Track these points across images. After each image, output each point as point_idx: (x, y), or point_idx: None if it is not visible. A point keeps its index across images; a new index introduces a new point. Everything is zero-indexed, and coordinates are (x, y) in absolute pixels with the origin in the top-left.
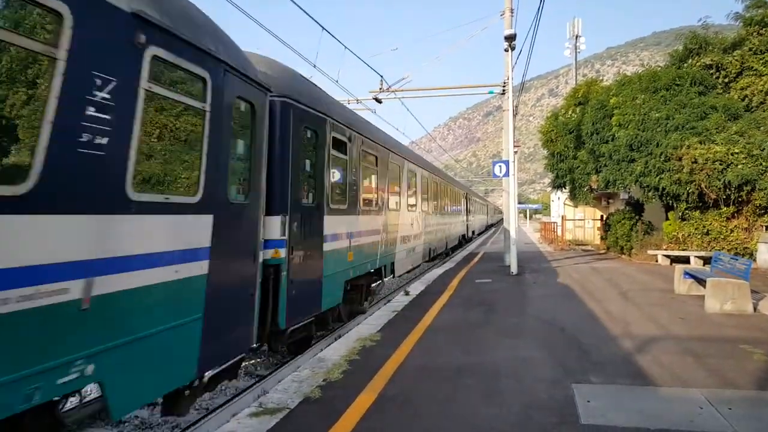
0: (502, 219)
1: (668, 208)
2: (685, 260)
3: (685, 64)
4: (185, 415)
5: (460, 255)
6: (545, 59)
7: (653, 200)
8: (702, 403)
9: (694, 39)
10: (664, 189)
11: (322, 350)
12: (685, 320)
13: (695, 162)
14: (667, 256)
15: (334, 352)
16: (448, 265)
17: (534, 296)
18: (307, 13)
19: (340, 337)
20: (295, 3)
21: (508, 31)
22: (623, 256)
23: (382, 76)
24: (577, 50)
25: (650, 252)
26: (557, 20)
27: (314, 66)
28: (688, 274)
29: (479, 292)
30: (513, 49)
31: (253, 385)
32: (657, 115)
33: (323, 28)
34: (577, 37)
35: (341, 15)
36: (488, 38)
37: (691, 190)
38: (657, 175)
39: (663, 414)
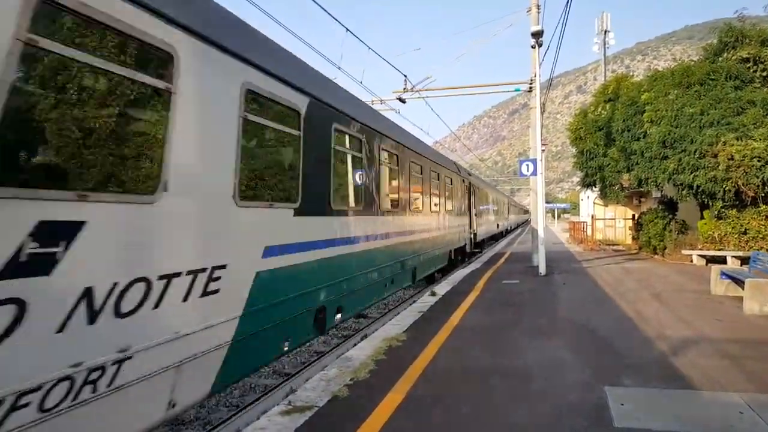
0: (527, 220)
1: (703, 206)
2: (722, 260)
3: (720, 58)
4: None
5: (486, 255)
6: (573, 55)
7: (687, 198)
8: (742, 408)
9: (729, 32)
10: (699, 187)
11: (348, 350)
12: (722, 322)
13: (732, 159)
14: (703, 256)
15: (360, 351)
16: (475, 265)
17: (564, 297)
18: (331, 15)
19: (366, 336)
20: (319, 5)
21: (535, 28)
22: (656, 256)
23: (405, 76)
24: (606, 45)
25: (685, 252)
26: (585, 15)
27: (339, 68)
28: (725, 275)
29: (507, 292)
30: (540, 45)
31: (282, 384)
32: (691, 110)
33: (347, 29)
34: (605, 32)
35: (365, 15)
36: (514, 35)
37: (727, 188)
38: (691, 173)
39: (700, 418)
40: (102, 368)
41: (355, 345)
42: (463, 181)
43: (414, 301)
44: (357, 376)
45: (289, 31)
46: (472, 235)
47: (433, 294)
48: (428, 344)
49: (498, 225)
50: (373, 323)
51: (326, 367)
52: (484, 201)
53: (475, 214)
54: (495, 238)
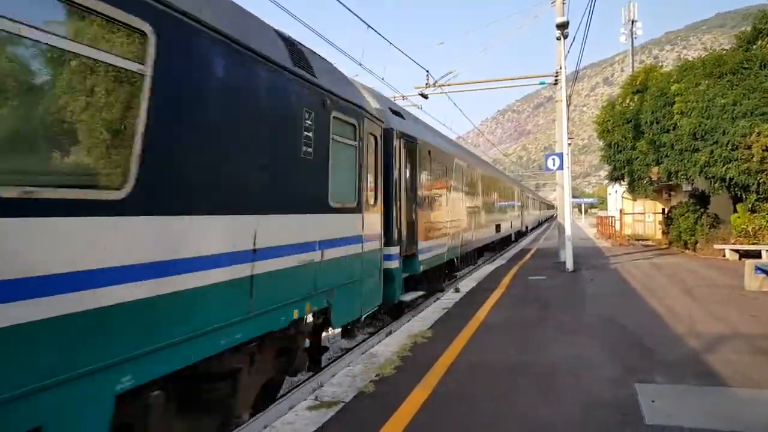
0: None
1: (736, 199)
2: (756, 255)
3: (754, 46)
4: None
5: (510, 252)
6: (599, 46)
7: (720, 191)
8: None
9: (764, 18)
10: (731, 179)
11: (373, 346)
12: (756, 318)
13: (766, 150)
14: (736, 251)
15: (385, 348)
16: (499, 261)
17: (592, 293)
18: (352, 12)
19: (390, 333)
20: (341, 2)
21: (560, 19)
22: (687, 251)
23: (428, 71)
24: (634, 36)
25: (717, 246)
26: (612, 5)
27: (360, 64)
28: (759, 269)
29: (533, 288)
30: (565, 37)
31: (309, 379)
32: (723, 101)
33: (369, 26)
34: (633, 22)
35: (386, 10)
36: (539, 27)
37: (761, 180)
38: (724, 165)
39: (734, 415)
40: None
41: (380, 341)
42: (357, 126)
43: (438, 298)
44: (382, 372)
45: (310, 28)
46: (397, 262)
47: (457, 290)
48: (454, 340)
49: (500, 227)
50: (398, 320)
51: (351, 363)
52: (457, 184)
53: (415, 210)
54: (494, 248)
